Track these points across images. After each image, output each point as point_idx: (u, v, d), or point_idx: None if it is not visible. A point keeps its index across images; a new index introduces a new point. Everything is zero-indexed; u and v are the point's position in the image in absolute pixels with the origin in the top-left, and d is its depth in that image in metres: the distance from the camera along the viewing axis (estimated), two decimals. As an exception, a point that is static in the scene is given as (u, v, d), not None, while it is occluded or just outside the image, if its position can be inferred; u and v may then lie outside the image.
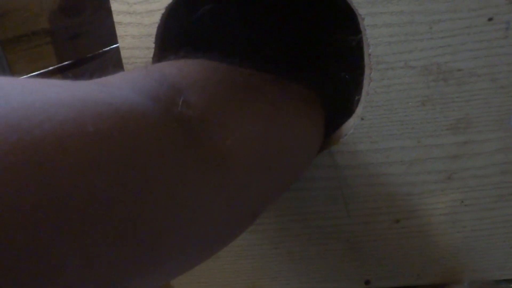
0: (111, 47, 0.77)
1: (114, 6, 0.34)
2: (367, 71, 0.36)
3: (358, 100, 0.38)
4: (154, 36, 0.35)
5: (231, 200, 0.26)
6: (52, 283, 0.15)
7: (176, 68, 0.27)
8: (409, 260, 0.43)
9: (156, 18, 0.35)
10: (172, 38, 0.37)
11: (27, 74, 0.70)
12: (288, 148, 0.33)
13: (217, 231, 0.26)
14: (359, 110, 0.38)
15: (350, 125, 0.38)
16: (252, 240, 0.43)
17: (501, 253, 0.42)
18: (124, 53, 0.36)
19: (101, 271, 0.17)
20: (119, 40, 0.36)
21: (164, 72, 0.26)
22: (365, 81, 0.37)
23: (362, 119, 0.37)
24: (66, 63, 0.75)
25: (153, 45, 0.35)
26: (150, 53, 0.36)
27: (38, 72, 0.71)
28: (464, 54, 0.35)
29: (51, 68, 0.73)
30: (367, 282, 0.44)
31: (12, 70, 0.68)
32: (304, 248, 0.43)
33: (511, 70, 0.35)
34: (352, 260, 0.43)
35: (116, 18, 0.35)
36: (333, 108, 0.40)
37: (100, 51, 0.77)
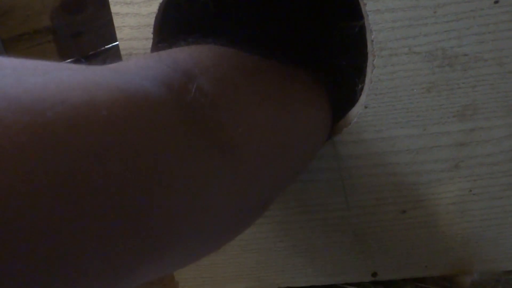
0: (113, 44, 0.76)
1: (111, -4, 0.34)
2: (370, 58, 0.35)
3: (362, 89, 0.37)
4: (152, 26, 0.35)
5: (242, 188, 0.26)
6: (64, 269, 0.15)
7: (188, 54, 0.27)
8: (416, 251, 0.42)
9: (154, 8, 0.34)
10: (171, 27, 0.37)
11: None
12: (297, 136, 0.32)
13: (227, 221, 0.26)
14: (362, 98, 0.37)
15: (354, 114, 0.37)
16: (257, 234, 0.42)
17: (511, 243, 0.41)
18: (122, 45, 0.35)
19: (113, 258, 0.17)
20: (117, 31, 0.35)
21: (176, 58, 0.26)
22: (368, 69, 0.36)
23: (365, 107, 0.36)
24: (68, 61, 0.74)
25: (151, 36, 0.35)
26: (149, 43, 0.35)
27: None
28: (469, 38, 0.34)
29: (53, 66, 0.73)
30: (374, 274, 0.44)
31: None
32: (309, 241, 0.42)
33: (519, 54, 0.34)
34: (358, 252, 0.43)
35: (113, 8, 0.34)
36: (337, 97, 0.39)
37: (102, 48, 0.77)
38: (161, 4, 0.34)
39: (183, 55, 0.27)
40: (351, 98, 0.39)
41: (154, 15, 0.34)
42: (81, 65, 0.20)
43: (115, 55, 0.76)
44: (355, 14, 0.36)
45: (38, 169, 0.14)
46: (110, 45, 0.76)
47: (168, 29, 0.36)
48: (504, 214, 0.40)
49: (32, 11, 0.70)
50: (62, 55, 0.74)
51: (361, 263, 0.43)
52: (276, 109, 0.30)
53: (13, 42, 0.68)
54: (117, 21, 0.35)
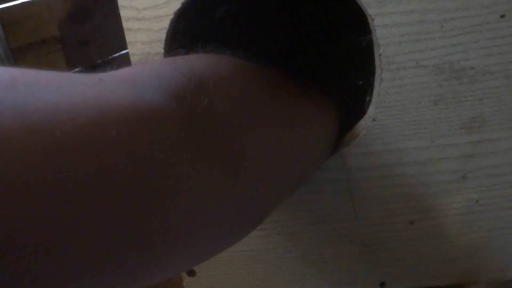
0: (120, 53, 0.77)
1: (123, 12, 0.34)
2: (378, 71, 0.36)
3: (370, 101, 0.38)
4: (163, 41, 0.35)
5: (240, 203, 0.26)
6: (65, 280, 0.16)
7: (205, 63, 0.27)
8: (424, 261, 0.42)
9: (165, 23, 0.35)
10: (181, 41, 0.37)
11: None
12: (300, 151, 0.33)
13: (222, 232, 0.26)
14: (370, 111, 0.37)
15: (362, 127, 0.38)
16: (266, 244, 0.43)
17: (519, 253, 0.42)
18: (134, 59, 0.36)
19: (113, 270, 0.18)
20: (129, 46, 0.36)
21: (193, 66, 0.26)
22: (376, 82, 0.36)
23: (374, 120, 0.37)
24: (75, 70, 0.75)
25: (162, 50, 0.35)
26: (160, 58, 0.36)
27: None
28: (476, 52, 0.34)
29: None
30: (382, 284, 0.44)
31: (23, 78, 0.68)
32: (318, 251, 0.43)
33: (525, 67, 0.35)
34: (366, 262, 0.43)
35: (125, 24, 0.35)
36: (345, 110, 0.40)
37: (110, 57, 0.78)
38: (172, 20, 0.35)
39: (200, 63, 0.27)
40: (359, 111, 0.39)
41: (165, 31, 0.35)
42: (95, 78, 0.20)
43: (121, 64, 0.76)
44: (363, 28, 0.36)
45: (46, 189, 0.14)
46: (117, 54, 0.77)
47: (179, 43, 0.37)
48: (511, 224, 0.41)
49: (40, 21, 0.71)
50: (70, 64, 0.74)
51: (370, 273, 0.44)
52: (282, 126, 0.30)
53: (22, 51, 0.68)
54: (129, 37, 0.35)
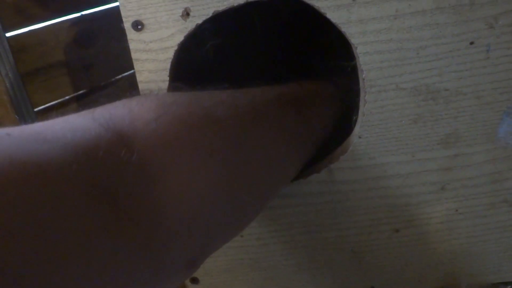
0: (123, 75, 0.81)
1: (132, 45, 0.38)
2: (362, 93, 0.40)
3: (356, 120, 0.42)
4: (168, 70, 0.39)
5: (155, 259, 0.24)
6: None
7: (128, 109, 0.26)
8: (409, 266, 0.46)
9: (170, 54, 0.38)
10: (183, 68, 0.41)
11: (45, 104, 0.74)
12: (250, 185, 0.31)
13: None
14: (356, 129, 0.41)
15: (349, 143, 0.41)
16: (264, 253, 0.46)
17: (496, 257, 0.45)
18: (141, 86, 0.40)
19: None
20: (137, 74, 0.39)
21: (113, 115, 0.25)
22: (361, 103, 0.40)
23: (359, 137, 0.40)
24: (81, 92, 0.79)
25: (167, 78, 0.39)
26: (165, 85, 0.39)
27: (56, 101, 0.75)
28: (449, 75, 0.38)
29: (67, 97, 0.77)
30: (371, 289, 0.47)
31: (31, 100, 0.72)
32: (311, 258, 0.46)
33: (494, 88, 0.38)
34: (356, 268, 0.46)
35: (134, 55, 0.39)
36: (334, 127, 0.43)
37: (113, 79, 0.81)
38: (176, 51, 0.38)
39: (122, 110, 0.26)
40: (347, 128, 0.43)
41: (170, 60, 0.39)
42: (2, 132, 0.20)
43: (124, 84, 0.81)
44: (348, 55, 0.40)
45: None
46: (120, 76, 0.81)
47: (181, 71, 0.41)
48: (488, 231, 0.44)
49: (47, 46, 0.75)
50: (75, 87, 0.78)
51: (360, 278, 0.47)
52: (226, 164, 0.29)
53: (30, 76, 0.72)
54: (137, 66, 0.39)
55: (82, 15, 0.77)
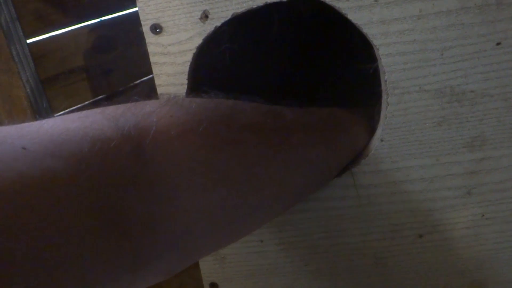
0: (142, 79, 0.81)
1: (150, 48, 0.38)
2: (384, 96, 0.39)
3: (377, 121, 0.41)
4: (186, 73, 0.39)
5: (144, 266, 0.25)
6: None
7: (156, 118, 0.26)
8: (434, 273, 0.45)
9: (188, 57, 0.38)
10: (202, 72, 0.40)
11: (65, 110, 0.75)
12: (256, 211, 0.32)
13: None
14: (378, 132, 0.40)
15: (371, 147, 0.41)
16: (284, 258, 0.45)
17: (524, 264, 0.44)
18: (160, 90, 0.39)
19: None
20: (155, 78, 0.39)
21: (138, 124, 0.25)
22: (383, 105, 0.39)
23: (381, 140, 0.40)
24: (100, 97, 0.79)
25: (186, 81, 0.39)
26: (184, 88, 0.39)
27: (75, 106, 0.76)
28: (475, 76, 0.37)
29: (86, 102, 0.78)
30: (394, 296, 0.46)
31: (51, 105, 0.73)
32: (332, 264, 0.45)
33: (522, 89, 0.37)
34: (378, 274, 0.45)
35: (152, 59, 0.38)
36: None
37: (132, 84, 0.82)
38: (194, 54, 0.38)
39: (149, 121, 0.26)
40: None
41: (189, 64, 0.38)
42: (18, 145, 0.20)
43: (143, 90, 0.81)
44: (370, 57, 0.39)
45: None
46: (139, 80, 0.81)
47: (199, 75, 0.40)
48: (516, 237, 0.43)
49: (67, 52, 0.75)
50: (94, 92, 0.79)
51: (382, 285, 0.46)
52: (237, 190, 0.29)
53: (51, 82, 0.73)
54: (155, 70, 0.39)
55: (101, 21, 0.78)
